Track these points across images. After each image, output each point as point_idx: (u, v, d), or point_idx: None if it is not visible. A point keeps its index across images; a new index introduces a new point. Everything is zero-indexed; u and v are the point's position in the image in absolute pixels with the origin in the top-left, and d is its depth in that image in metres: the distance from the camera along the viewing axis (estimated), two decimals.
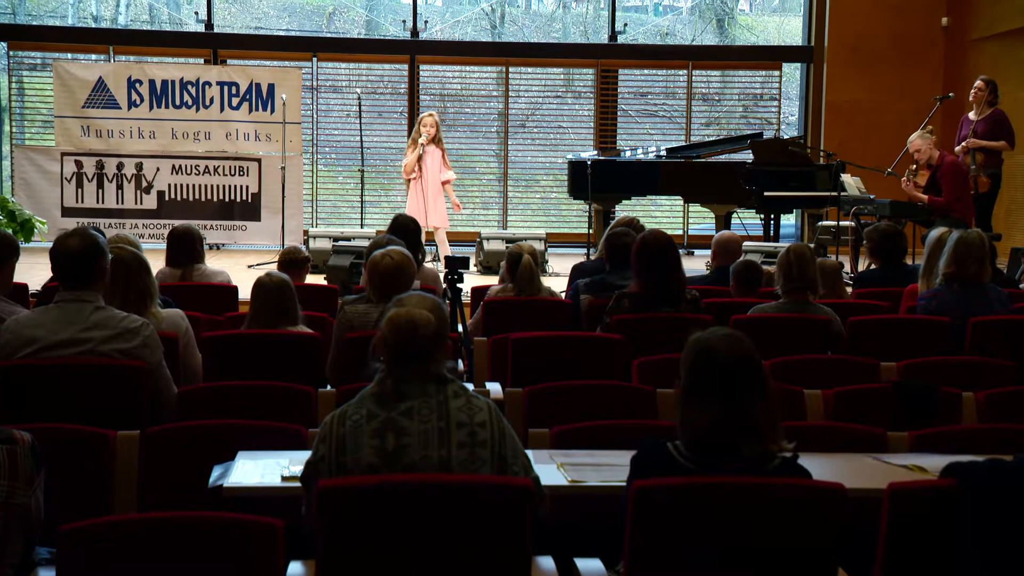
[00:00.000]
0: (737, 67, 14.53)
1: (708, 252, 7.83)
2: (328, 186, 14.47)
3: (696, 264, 11.54)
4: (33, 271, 7.75)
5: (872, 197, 10.35)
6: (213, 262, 7.37)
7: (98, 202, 12.37)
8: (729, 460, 2.86)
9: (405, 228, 6.51)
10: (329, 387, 4.72)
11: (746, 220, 12.17)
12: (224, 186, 12.47)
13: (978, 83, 10.19)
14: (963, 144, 10.09)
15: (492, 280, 8.32)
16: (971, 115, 10.24)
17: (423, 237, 10.61)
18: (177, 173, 12.43)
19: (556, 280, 9.48)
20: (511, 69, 14.07)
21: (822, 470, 3.12)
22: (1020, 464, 2.93)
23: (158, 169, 12.40)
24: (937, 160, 9.59)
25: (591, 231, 11.23)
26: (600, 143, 13.90)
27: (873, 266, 7.46)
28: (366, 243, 7.16)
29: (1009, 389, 4.59)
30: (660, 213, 14.71)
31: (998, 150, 10.05)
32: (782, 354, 4.87)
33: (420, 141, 10.54)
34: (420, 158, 10.54)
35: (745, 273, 6.37)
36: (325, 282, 7.77)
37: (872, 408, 4.40)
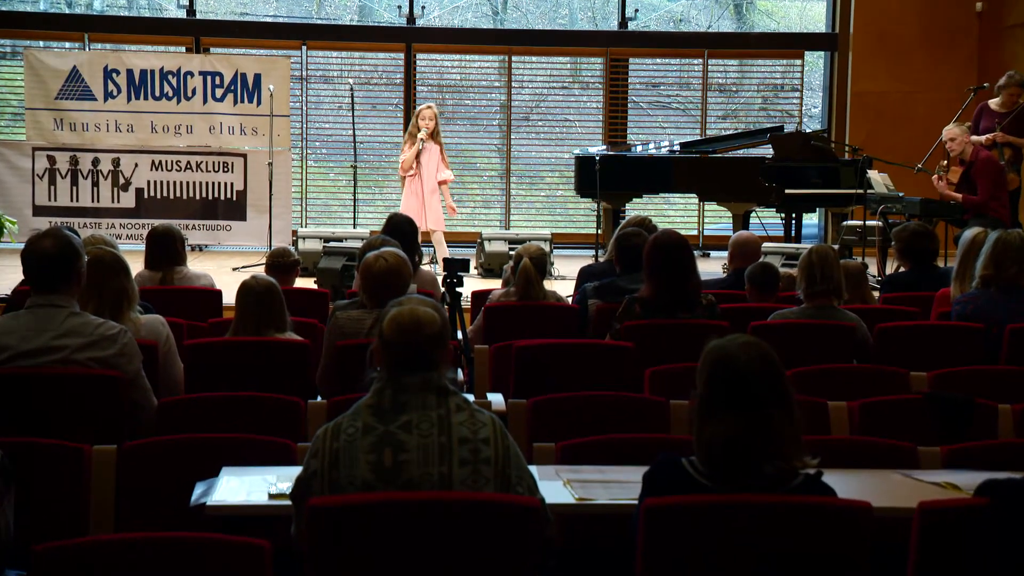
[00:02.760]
0: (756, 56, 14.53)
1: (725, 254, 7.83)
2: (318, 183, 14.49)
3: (712, 266, 11.54)
4: (3, 274, 7.76)
5: (901, 195, 10.34)
6: (195, 264, 7.38)
7: (72, 200, 12.36)
8: (748, 477, 2.86)
9: (401, 228, 6.52)
10: (319, 398, 4.73)
11: (766, 219, 12.18)
12: (207, 183, 12.47)
13: (1012, 88, 10.10)
14: (986, 136, 10.09)
15: (494, 284, 8.32)
16: (991, 103, 10.24)
17: (420, 238, 10.71)
18: (157, 169, 12.43)
19: (562, 284, 9.48)
20: (514, 58, 14.08)
21: (848, 487, 3.12)
22: None
23: (136, 165, 12.40)
24: (971, 155, 9.58)
25: (600, 231, 11.23)
26: (609, 137, 13.91)
27: (902, 269, 7.46)
28: (359, 244, 7.18)
29: None
30: (674, 212, 14.72)
31: None
32: (805, 363, 4.87)
33: (420, 136, 10.53)
34: (419, 154, 10.55)
35: (760, 276, 6.36)
36: (315, 286, 7.78)
37: (901, 421, 4.40)
